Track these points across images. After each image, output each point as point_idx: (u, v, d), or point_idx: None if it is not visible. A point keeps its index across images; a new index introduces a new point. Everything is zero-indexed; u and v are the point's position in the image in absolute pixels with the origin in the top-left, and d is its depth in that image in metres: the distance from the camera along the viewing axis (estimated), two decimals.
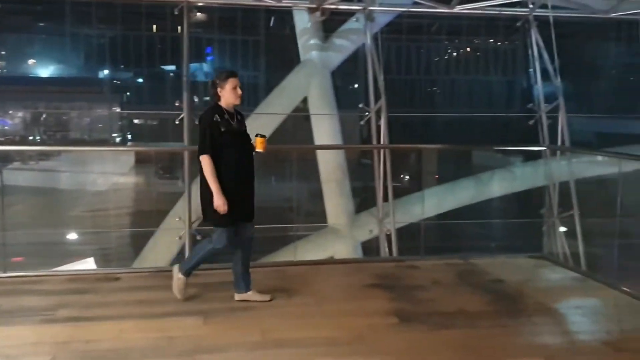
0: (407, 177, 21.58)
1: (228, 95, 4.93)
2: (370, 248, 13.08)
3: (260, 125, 12.97)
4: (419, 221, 11.86)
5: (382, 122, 11.94)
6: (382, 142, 11.96)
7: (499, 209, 19.12)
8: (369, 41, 12.31)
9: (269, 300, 5.10)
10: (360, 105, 12.61)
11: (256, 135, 5.03)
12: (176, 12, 11.25)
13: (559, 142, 13.20)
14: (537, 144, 12.84)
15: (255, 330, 4.53)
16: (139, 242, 13.92)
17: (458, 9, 12.25)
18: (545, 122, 13.39)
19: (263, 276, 5.47)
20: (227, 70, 5.09)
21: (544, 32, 13.26)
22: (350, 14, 13.13)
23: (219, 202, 4.79)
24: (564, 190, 13.11)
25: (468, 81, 29.38)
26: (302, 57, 14.04)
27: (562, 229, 12.83)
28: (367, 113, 12.28)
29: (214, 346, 4.27)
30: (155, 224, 13.45)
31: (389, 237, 11.75)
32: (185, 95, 11.53)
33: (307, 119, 13.58)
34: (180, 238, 11.17)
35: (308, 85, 13.46)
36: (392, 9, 13.59)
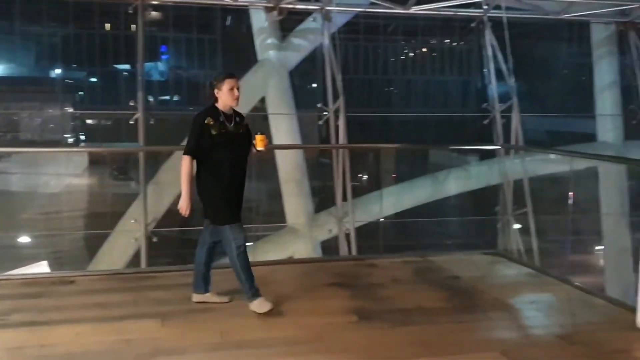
0: (366, 176, 21.70)
1: (225, 97, 4.84)
2: (329, 247, 13.12)
3: None
4: (378, 220, 11.97)
5: (341, 122, 12.00)
6: (340, 142, 12.02)
7: (455, 207, 19.42)
8: (326, 41, 12.35)
9: (228, 302, 5.06)
10: (319, 105, 12.64)
11: (256, 134, 4.98)
12: (130, 11, 11.09)
13: (513, 141, 13.47)
14: (491, 143, 13.08)
15: (214, 332, 4.50)
16: (94, 245, 13.66)
17: (414, 9, 12.39)
18: (499, 121, 13.64)
19: (221, 277, 5.43)
20: (225, 72, 5.01)
21: (498, 32, 13.51)
22: (307, 13, 13.14)
23: (184, 204, 4.75)
24: (518, 188, 13.39)
25: (425, 81, 29.71)
26: (259, 57, 13.98)
27: (517, 226, 13.10)
28: (325, 113, 12.32)
29: (172, 348, 4.22)
30: (110, 226, 13.22)
31: (348, 236, 11.82)
32: (139, 95, 11.37)
33: (266, 118, 13.54)
34: (136, 240, 11.02)
35: (266, 85, 13.42)
36: (349, 9, 13.65)
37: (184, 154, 4.79)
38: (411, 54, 30.24)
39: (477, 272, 6.27)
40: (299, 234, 12.92)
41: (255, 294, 4.87)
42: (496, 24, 13.54)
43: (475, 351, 4.25)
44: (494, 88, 13.78)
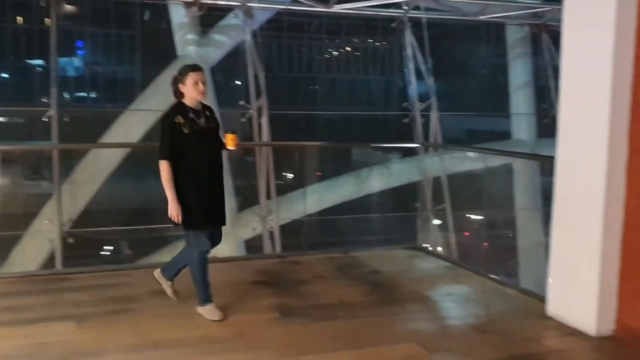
0: (291, 174, 21.76)
1: (190, 92, 4.54)
2: (254, 246, 13.08)
3: (137, 122, 12.59)
4: (302, 218, 12.01)
5: (264, 120, 11.97)
6: (263, 140, 11.99)
7: (378, 204, 19.73)
8: (248, 37, 12.29)
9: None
10: (242, 103, 12.56)
11: (226, 132, 4.73)
12: (43, 4, 10.69)
13: (433, 139, 13.81)
14: (412, 141, 13.38)
15: (131, 333, 4.39)
16: (5, 247, 13.09)
17: (336, 8, 12.51)
18: (419, 120, 13.97)
19: (141, 278, 5.32)
20: (189, 65, 4.67)
21: (419, 33, 13.82)
22: (228, 9, 13.03)
23: (174, 211, 4.48)
24: (437, 185, 13.75)
25: (349, 80, 30.02)
26: (179, 53, 13.77)
27: (436, 221, 13.46)
28: (248, 110, 12.26)
29: (88, 351, 4.10)
30: (23, 227, 12.71)
31: (272, 234, 11.81)
32: (53, 91, 10.98)
33: None
34: (50, 241, 10.63)
35: None
36: (271, 6, 13.64)
37: (161, 159, 4.48)
38: (336, 53, 30.49)
39: (397, 267, 6.39)
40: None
41: (207, 300, 4.71)
42: (416, 24, 13.84)
43: (394, 343, 4.34)
44: (414, 87, 14.10)
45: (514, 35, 16.59)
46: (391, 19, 14.25)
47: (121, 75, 25.69)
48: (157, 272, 4.99)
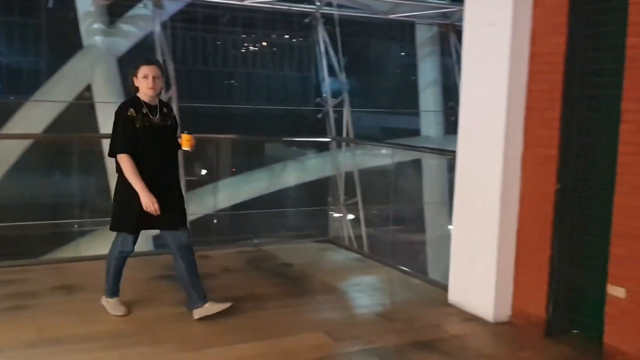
0: (204, 169, 21.49)
1: (140, 85, 4.35)
2: (163, 240, 12.81)
3: (40, 113, 12.09)
4: (213, 212, 11.91)
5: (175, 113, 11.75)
6: None
7: (291, 198, 19.82)
8: (157, 29, 12.04)
9: (230, 305, 4.59)
10: None
11: (182, 132, 4.48)
12: None
13: (344, 135, 14.01)
14: (325, 136, 13.53)
15: (31, 329, 4.24)
16: None
17: (249, 2, 12.45)
18: (332, 115, 14.13)
19: (42, 274, 5.14)
20: (144, 58, 4.52)
21: (333, 29, 13.97)
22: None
23: (147, 201, 4.24)
24: (350, 179, 13.97)
25: (265, 75, 29.91)
26: (85, 43, 13.30)
27: (350, 216, 13.68)
28: None
29: None
30: None
31: None
32: None
33: (92, 107, 12.90)
34: None
35: (92, 72, 12.80)
36: None
37: (118, 152, 4.27)
38: (252, 48, 30.30)
39: (307, 259, 6.47)
40: None
41: (114, 293, 4.63)
42: (329, 20, 13.97)
43: (301, 332, 4.40)
44: (326, 83, 14.24)
45: (423, 35, 17.06)
46: (305, 15, 14.31)
47: (26, 66, 24.54)
48: (195, 314, 4.56)
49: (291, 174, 16.90)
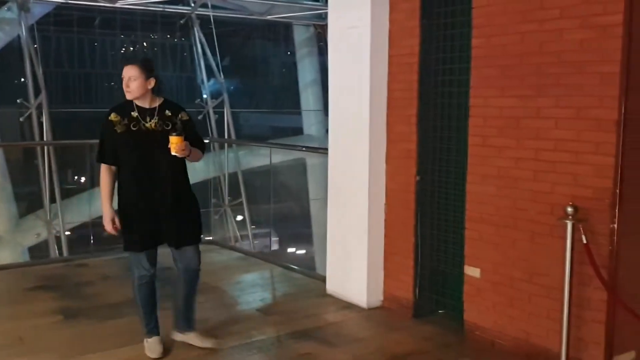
0: (84, 177, 20.71)
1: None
2: (40, 251, 12.32)
3: None
4: (92, 220, 11.57)
5: (45, 118, 11.31)
6: (45, 140, 11.34)
7: None
8: (24, 32, 11.53)
9: (213, 348, 4.23)
10: (19, 101, 11.74)
11: (171, 134, 3.84)
12: None
13: (226, 135, 14.04)
14: (205, 137, 13.49)
15: None
16: None
17: (120, 3, 12.19)
18: (212, 116, 14.10)
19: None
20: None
21: (211, 30, 13.93)
22: (2, 2, 12.11)
23: (105, 222, 3.93)
24: (233, 180, 14.01)
25: None
26: None
27: (239, 217, 13.73)
28: (27, 109, 11.52)
29: None
30: None
31: (58, 238, 11.23)
32: None
33: None
34: None
35: None
36: (49, 0, 12.90)
37: (97, 161, 3.95)
38: (132, 49, 29.44)
39: None
40: (1, 240, 11.90)
41: (149, 331, 4.17)
42: (208, 21, 13.93)
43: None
44: (205, 85, 14.20)
45: (301, 35, 17.37)
46: (181, 16, 14.18)
47: None
48: (177, 335, 4.31)
49: None
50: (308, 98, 17.90)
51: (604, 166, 3.59)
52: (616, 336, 3.63)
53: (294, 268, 6.34)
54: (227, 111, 13.95)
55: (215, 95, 14.58)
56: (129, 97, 3.91)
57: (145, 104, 3.94)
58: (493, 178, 4.17)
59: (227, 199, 13.22)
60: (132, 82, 3.87)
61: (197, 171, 16.76)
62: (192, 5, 13.46)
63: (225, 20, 15.07)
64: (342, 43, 5.13)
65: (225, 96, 14.04)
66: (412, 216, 4.78)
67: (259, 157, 15.78)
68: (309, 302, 5.24)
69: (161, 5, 13.20)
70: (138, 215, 3.91)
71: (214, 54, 14.09)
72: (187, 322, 4.27)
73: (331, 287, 5.39)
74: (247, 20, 16.21)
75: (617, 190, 3.55)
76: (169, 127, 3.90)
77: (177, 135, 3.80)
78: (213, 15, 13.47)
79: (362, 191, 4.99)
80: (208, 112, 14.20)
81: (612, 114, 3.54)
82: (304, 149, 12.14)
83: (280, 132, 21.39)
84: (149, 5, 12.94)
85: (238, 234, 12.84)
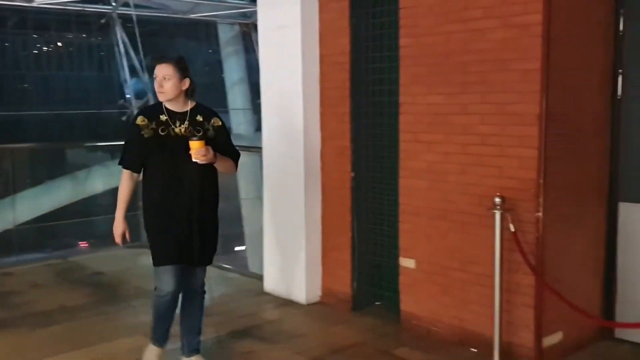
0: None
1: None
2: None
3: None
4: (13, 227, 11.12)
5: None
6: None
7: (101, 206, 19.02)
8: None
9: None
10: None
11: (191, 138, 3.49)
12: None
13: None
14: None
15: None
16: None
17: (38, 2, 11.79)
18: None
19: None
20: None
21: (133, 29, 13.64)
22: None
23: (114, 229, 3.67)
24: None
25: (62, 77, 28.17)
26: None
27: None
28: None
29: None
30: None
31: None
32: None
33: None
34: None
35: None
36: None
37: (119, 164, 3.68)
38: (47, 49, 28.39)
39: (120, 266, 6.40)
40: None
41: (154, 339, 3.90)
42: (129, 21, 13.65)
43: (119, 337, 4.41)
44: (129, 85, 13.92)
45: (226, 34, 17.26)
46: (102, 15, 13.84)
47: None
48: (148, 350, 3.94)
49: (97, 180, 16.22)
50: (235, 97, 17.81)
51: (527, 158, 3.78)
52: (544, 319, 3.84)
53: (230, 268, 6.33)
54: None
55: (138, 95, 14.30)
56: (161, 98, 3.59)
57: (176, 107, 3.62)
58: (424, 172, 4.32)
59: None
60: (166, 82, 3.54)
61: (120, 174, 16.42)
62: (114, 4, 13.16)
63: (148, 19, 14.80)
64: (272, 43, 5.18)
65: (150, 96, 13.81)
66: (348, 212, 4.88)
67: None
68: (247, 301, 5.27)
69: (80, 5, 12.85)
70: (163, 226, 3.59)
71: (137, 53, 13.83)
72: (190, 345, 3.91)
73: (269, 285, 5.43)
74: (171, 19, 15.99)
75: (541, 181, 3.75)
76: (200, 134, 3.55)
77: (197, 139, 3.47)
78: (136, 15, 13.21)
79: (298, 189, 5.05)
80: (132, 113, 13.91)
81: (534, 109, 3.74)
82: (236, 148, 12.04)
83: None
84: (68, 4, 12.57)
85: None
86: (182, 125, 3.58)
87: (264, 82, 5.31)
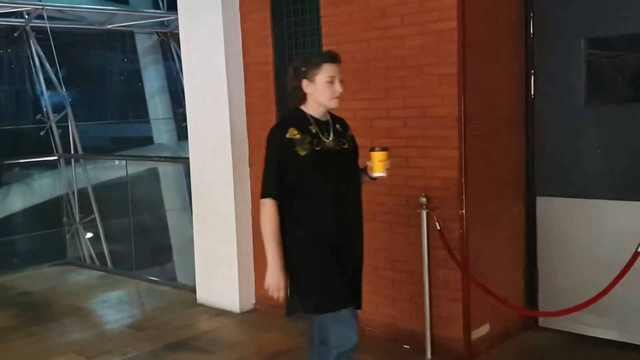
0: None
1: (320, 94, 2.93)
2: None
3: None
4: None
5: None
6: None
7: (21, 224, 18.32)
8: None
9: None
10: None
11: (372, 150, 2.99)
12: None
13: (72, 150, 13.43)
14: (51, 153, 12.82)
15: None
16: None
17: None
18: (56, 131, 13.43)
19: None
20: (322, 53, 3.22)
21: (48, 42, 13.22)
22: None
23: (272, 280, 2.89)
24: (84, 196, 13.43)
25: None
26: None
27: (88, 234, 13.16)
28: None
29: None
30: None
31: None
32: None
33: None
34: None
35: None
36: None
37: (262, 196, 2.93)
38: None
39: (48, 284, 6.24)
40: None
41: None
42: (44, 33, 13.23)
43: (51, 357, 4.31)
44: (46, 98, 13.49)
45: (144, 43, 16.98)
46: (14, 28, 13.36)
47: None
48: None
49: (17, 198, 15.63)
50: (156, 106, 17.53)
51: (449, 158, 3.95)
52: (472, 312, 4.01)
53: (160, 281, 6.28)
54: (71, 124, 13.33)
55: (56, 109, 13.86)
56: (334, 105, 2.99)
57: (322, 115, 3.02)
58: None
59: (78, 216, 12.67)
60: (343, 88, 2.97)
61: (41, 191, 15.87)
62: (26, 17, 12.71)
63: (64, 31, 14.37)
64: (195, 53, 5.18)
65: (69, 109, 13.42)
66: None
67: (108, 170, 15.21)
68: (181, 313, 5.24)
69: None
70: (327, 264, 2.91)
71: (52, 65, 13.42)
72: None
73: (202, 296, 5.41)
74: (87, 30, 15.56)
75: (463, 180, 3.92)
76: (346, 146, 3.03)
77: (380, 150, 2.97)
78: (50, 27, 12.81)
79: (228, 197, 5.06)
80: (51, 127, 13.49)
81: (453, 111, 3.91)
82: (161, 159, 11.94)
83: (125, 142, 20.70)
84: None
85: (93, 252, 12.32)
86: (331, 137, 2.99)
87: (188, 93, 5.30)
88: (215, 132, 5.09)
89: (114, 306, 5.60)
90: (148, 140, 18.81)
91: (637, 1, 3.99)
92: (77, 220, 12.33)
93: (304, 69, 2.94)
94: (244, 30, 4.95)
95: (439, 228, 3.92)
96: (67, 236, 11.32)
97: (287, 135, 2.91)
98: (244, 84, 5.03)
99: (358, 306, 3.06)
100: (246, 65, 4.99)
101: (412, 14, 4.02)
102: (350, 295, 2.95)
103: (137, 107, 20.48)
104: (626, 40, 4.22)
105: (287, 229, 2.92)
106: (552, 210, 4.36)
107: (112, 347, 4.49)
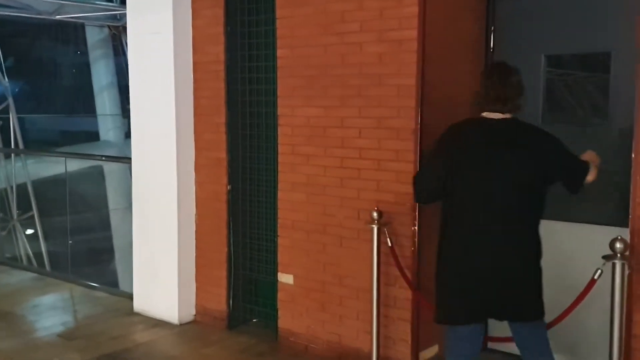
0: None
1: None
2: None
3: None
4: None
5: None
6: None
7: None
8: None
9: None
10: None
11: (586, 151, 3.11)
12: None
13: (13, 144, 12.89)
14: None
15: None
16: None
17: None
18: None
19: None
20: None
21: None
22: None
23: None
24: (22, 192, 12.89)
25: None
26: None
27: (29, 231, 12.62)
28: None
29: None
30: None
31: None
32: None
33: None
34: None
35: None
36: None
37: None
38: None
39: None
40: None
41: None
42: None
43: None
44: None
45: (94, 37, 16.48)
46: None
47: None
48: None
49: None
50: (104, 101, 17.03)
51: (404, 172, 3.80)
52: (421, 332, 3.87)
53: (97, 286, 5.96)
54: (13, 117, 12.78)
55: None
56: None
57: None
58: (303, 185, 4.25)
59: (15, 212, 12.15)
60: None
61: None
62: None
63: (9, 19, 13.79)
64: (143, 48, 4.92)
65: (11, 100, 12.86)
66: (224, 226, 4.71)
67: (51, 165, 14.64)
68: (116, 322, 4.96)
69: None
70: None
71: None
72: None
73: (139, 304, 5.15)
74: (35, 20, 14.98)
75: None
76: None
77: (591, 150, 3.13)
78: None
79: (171, 201, 4.82)
80: None
81: (409, 124, 3.77)
82: (103, 158, 11.53)
83: (73, 136, 20.07)
84: None
85: (30, 251, 11.80)
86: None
87: (133, 90, 5.04)
88: (160, 134, 4.84)
89: (45, 312, 5.28)
90: (94, 135, 18.25)
91: (597, 19, 3.92)
92: (15, 217, 11.83)
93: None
94: (195, 27, 4.73)
95: (390, 244, 3.76)
96: (3, 233, 10.83)
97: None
98: (192, 84, 4.80)
99: (518, 318, 3.03)
100: (195, 64, 4.77)
101: (371, 21, 3.87)
102: (474, 312, 2.93)
103: (88, 102, 19.89)
104: (586, 58, 4.16)
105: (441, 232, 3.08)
106: None
107: (39, 357, 4.19)
